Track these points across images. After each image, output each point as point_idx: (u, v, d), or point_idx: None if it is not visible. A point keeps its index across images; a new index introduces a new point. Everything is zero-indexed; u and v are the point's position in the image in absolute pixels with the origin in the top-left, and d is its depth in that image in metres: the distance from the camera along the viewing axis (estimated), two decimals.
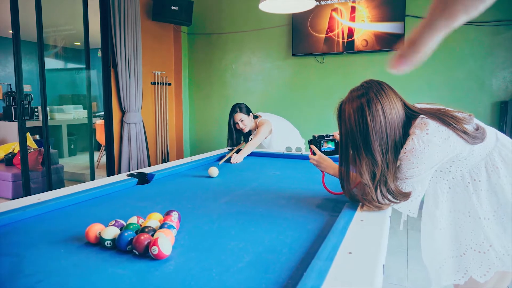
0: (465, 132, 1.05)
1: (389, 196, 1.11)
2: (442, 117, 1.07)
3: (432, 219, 1.24)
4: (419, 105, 1.18)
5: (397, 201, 1.13)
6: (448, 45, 3.67)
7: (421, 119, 1.10)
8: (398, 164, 1.12)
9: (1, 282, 0.76)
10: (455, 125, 1.05)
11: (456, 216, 1.19)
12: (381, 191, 1.11)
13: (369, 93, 1.11)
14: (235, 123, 2.77)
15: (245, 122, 2.75)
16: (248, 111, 2.79)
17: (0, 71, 7.19)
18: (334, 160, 1.48)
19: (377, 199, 1.12)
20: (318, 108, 4.32)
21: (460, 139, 1.06)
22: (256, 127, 2.82)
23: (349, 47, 3.99)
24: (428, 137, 1.05)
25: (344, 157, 1.21)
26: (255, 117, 2.88)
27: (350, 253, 0.85)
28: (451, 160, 1.11)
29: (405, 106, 1.15)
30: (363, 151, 1.10)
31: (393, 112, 1.10)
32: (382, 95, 1.10)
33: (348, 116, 1.13)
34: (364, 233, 0.99)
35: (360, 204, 1.20)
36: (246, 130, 2.79)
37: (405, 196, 1.12)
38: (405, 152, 1.08)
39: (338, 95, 4.36)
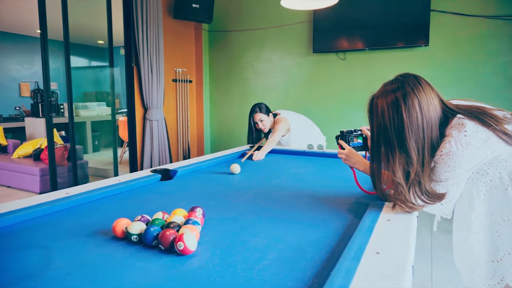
0: (505, 133, 0.99)
1: (423, 197, 1.06)
2: (481, 116, 1.01)
3: (467, 222, 1.18)
4: (454, 102, 1.12)
5: (432, 203, 1.08)
6: (475, 41, 3.55)
7: (458, 119, 1.03)
8: (432, 165, 1.07)
9: (32, 274, 0.78)
10: (495, 126, 0.99)
11: (493, 220, 1.12)
12: (415, 191, 1.06)
13: (405, 87, 1.05)
14: (255, 123, 2.77)
15: (264, 122, 2.75)
16: (267, 111, 2.79)
17: (28, 70, 7.44)
18: (362, 156, 1.44)
19: (410, 200, 1.07)
20: (340, 105, 4.26)
21: (500, 141, 1.00)
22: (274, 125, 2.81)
23: (372, 43, 3.91)
24: (466, 139, 0.99)
25: (375, 154, 1.15)
26: (274, 115, 2.87)
27: (377, 253, 0.83)
28: (489, 162, 1.06)
29: (442, 103, 1.09)
30: (397, 149, 1.05)
31: (431, 108, 1.04)
32: (419, 90, 1.04)
33: (382, 111, 1.08)
34: (391, 232, 0.97)
35: (392, 204, 1.14)
36: (266, 130, 2.79)
37: (440, 197, 1.07)
38: (441, 155, 1.03)
39: (360, 92, 4.27)
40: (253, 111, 2.77)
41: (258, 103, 2.79)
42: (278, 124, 2.72)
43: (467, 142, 0.99)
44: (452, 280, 2.30)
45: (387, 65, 3.95)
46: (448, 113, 1.07)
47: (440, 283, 2.29)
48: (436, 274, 2.41)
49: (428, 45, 3.65)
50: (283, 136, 2.79)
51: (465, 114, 1.04)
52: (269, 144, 2.52)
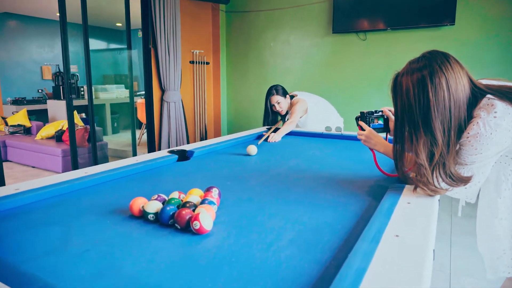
0: None
1: (447, 180, 1.01)
2: None
3: (492, 207, 1.13)
4: (484, 81, 1.06)
5: (456, 186, 1.03)
6: (504, 19, 3.36)
7: (488, 100, 0.97)
8: (458, 148, 1.01)
9: (53, 249, 0.80)
10: None
11: None
12: (439, 174, 1.01)
13: (433, 64, 0.99)
14: (271, 105, 2.73)
15: (281, 104, 2.71)
16: (284, 93, 2.74)
17: (50, 53, 7.55)
18: (383, 137, 1.40)
19: (433, 182, 1.03)
20: (359, 87, 4.16)
21: None
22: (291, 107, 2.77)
23: (393, 23, 3.77)
24: (496, 121, 0.94)
25: (399, 135, 1.10)
26: (291, 97, 2.82)
27: (397, 236, 0.81)
28: None
29: (471, 82, 1.02)
30: (422, 129, 1.00)
31: (459, 87, 0.98)
32: (448, 68, 0.98)
33: (406, 90, 1.02)
34: (412, 216, 0.94)
35: (414, 186, 1.10)
36: (283, 112, 2.75)
37: (465, 181, 1.02)
38: (468, 137, 0.97)
39: (381, 73, 4.13)
40: (269, 93, 2.72)
41: (274, 85, 2.75)
42: (296, 105, 2.68)
43: (496, 124, 0.94)
44: (472, 266, 2.26)
45: (410, 45, 3.81)
46: (477, 93, 1.01)
47: (459, 268, 2.25)
48: (455, 259, 2.37)
49: (454, 25, 3.49)
50: (300, 117, 2.75)
51: (495, 94, 0.98)
52: (288, 126, 2.49)
